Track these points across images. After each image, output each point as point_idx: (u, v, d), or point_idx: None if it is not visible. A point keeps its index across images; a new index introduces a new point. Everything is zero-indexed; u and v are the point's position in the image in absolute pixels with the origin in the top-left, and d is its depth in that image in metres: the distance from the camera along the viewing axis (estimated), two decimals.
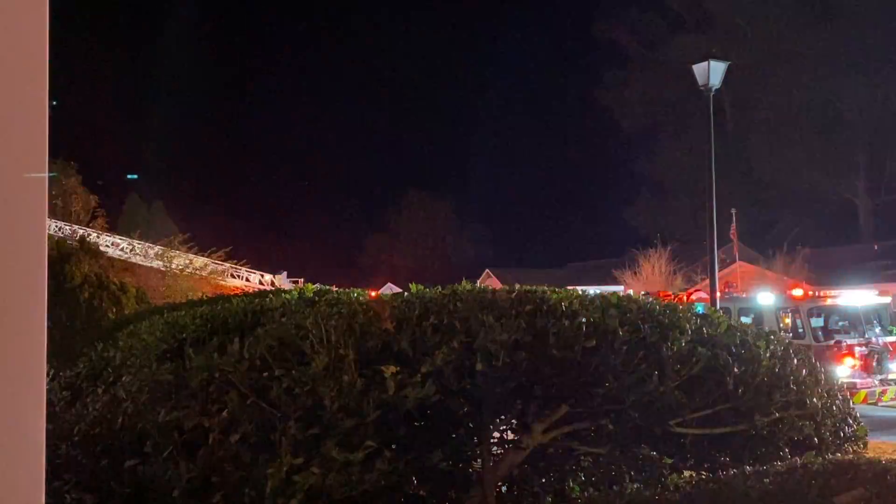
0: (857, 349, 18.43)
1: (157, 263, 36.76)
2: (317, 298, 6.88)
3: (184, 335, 6.29)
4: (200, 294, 21.41)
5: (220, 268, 40.79)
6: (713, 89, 18.69)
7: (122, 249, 38.15)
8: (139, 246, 38.41)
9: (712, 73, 18.47)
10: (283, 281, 43.26)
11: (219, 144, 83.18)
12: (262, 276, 45.13)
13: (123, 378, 5.91)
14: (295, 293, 7.58)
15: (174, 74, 74.22)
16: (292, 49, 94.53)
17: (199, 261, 38.67)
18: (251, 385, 5.10)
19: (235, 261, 42.69)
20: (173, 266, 36.09)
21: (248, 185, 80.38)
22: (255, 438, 4.96)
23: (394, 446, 5.06)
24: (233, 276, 42.56)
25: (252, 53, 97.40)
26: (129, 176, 61.71)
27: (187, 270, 36.57)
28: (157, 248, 37.63)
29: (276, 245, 63.10)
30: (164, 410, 5.21)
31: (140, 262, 37.20)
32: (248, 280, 43.49)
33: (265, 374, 5.10)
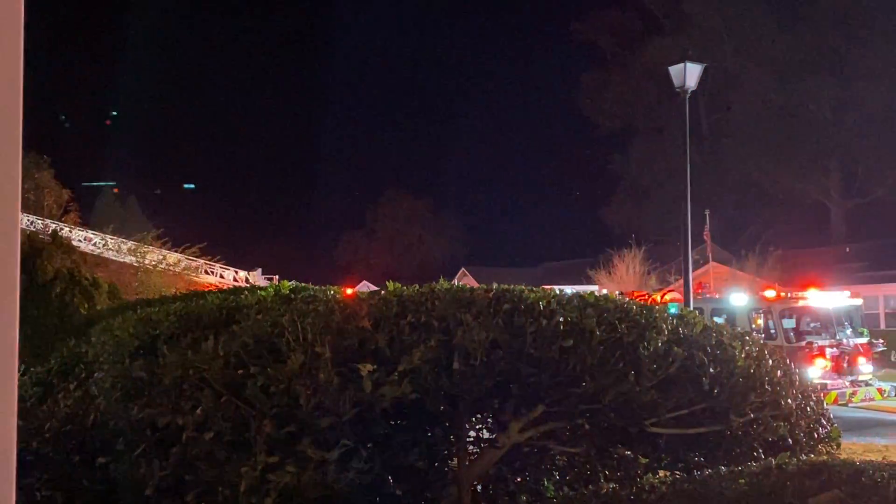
0: (828, 350, 18.59)
1: (130, 259, 36.43)
2: (293, 296, 6.81)
3: (157, 331, 6.21)
4: (174, 290, 21.26)
5: (194, 264, 40.50)
6: (689, 91, 18.79)
7: (94, 244, 37.79)
8: (112, 241, 38.04)
9: (688, 74, 18.58)
10: (257, 278, 43.05)
11: (194, 140, 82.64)
12: (237, 272, 44.86)
13: (95, 374, 5.83)
14: (271, 290, 7.52)
15: (149, 68, 73.65)
16: (272, 46, 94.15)
17: (173, 257, 38.38)
18: (226, 383, 5.05)
19: (210, 257, 42.41)
20: (147, 262, 35.77)
21: (223, 181, 79.92)
22: (229, 437, 4.92)
23: (370, 445, 5.03)
24: (207, 272, 42.27)
25: (230, 48, 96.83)
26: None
27: (161, 266, 36.27)
28: (131, 244, 37.27)
29: (251, 241, 62.85)
30: (137, 408, 5.15)
31: (113, 258, 36.85)
32: (222, 277, 43.22)
33: (240, 371, 5.05)
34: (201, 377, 5.08)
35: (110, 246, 37.86)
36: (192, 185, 73.33)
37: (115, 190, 53.09)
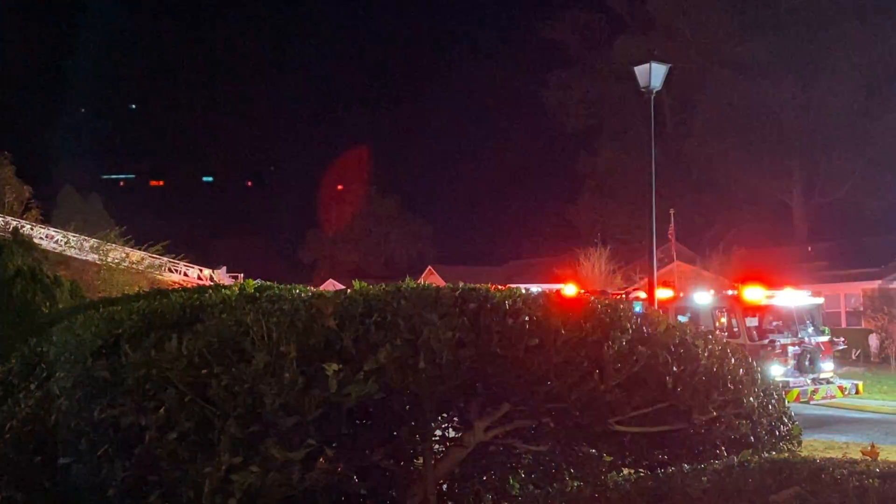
0: (790, 349, 18.82)
1: (92, 257, 36.04)
2: (258, 295, 6.78)
3: (120, 331, 6.15)
4: (137, 288, 21.04)
5: (157, 262, 40.16)
6: (654, 91, 18.93)
7: (56, 242, 37.37)
8: (74, 239, 37.62)
9: (654, 74, 18.70)
10: (222, 276, 42.76)
11: (157, 136, 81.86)
12: (201, 270, 44.55)
13: (57, 374, 5.76)
14: (235, 289, 7.46)
15: (110, 62, 72.82)
16: (233, 40, 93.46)
17: (136, 254, 38.02)
18: (189, 382, 5.01)
19: (174, 255, 42.05)
20: (109, 260, 35.41)
21: (187, 178, 79.21)
22: (192, 437, 4.87)
23: (335, 445, 5.01)
24: (170, 270, 41.93)
25: (188, 39, 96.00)
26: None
27: (123, 264, 35.92)
28: (93, 241, 36.87)
29: (215, 239, 62.38)
30: (100, 408, 5.09)
31: (75, 256, 36.45)
32: (186, 275, 42.90)
33: (204, 371, 5.01)
34: (165, 377, 5.04)
35: (72, 244, 37.45)
36: (159, 182, 72.71)
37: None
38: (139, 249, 38.77)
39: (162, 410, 4.92)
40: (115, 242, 37.06)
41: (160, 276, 38.90)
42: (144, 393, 5.05)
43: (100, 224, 39.40)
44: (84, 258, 36.20)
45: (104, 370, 5.30)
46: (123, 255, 36.73)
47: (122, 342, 5.61)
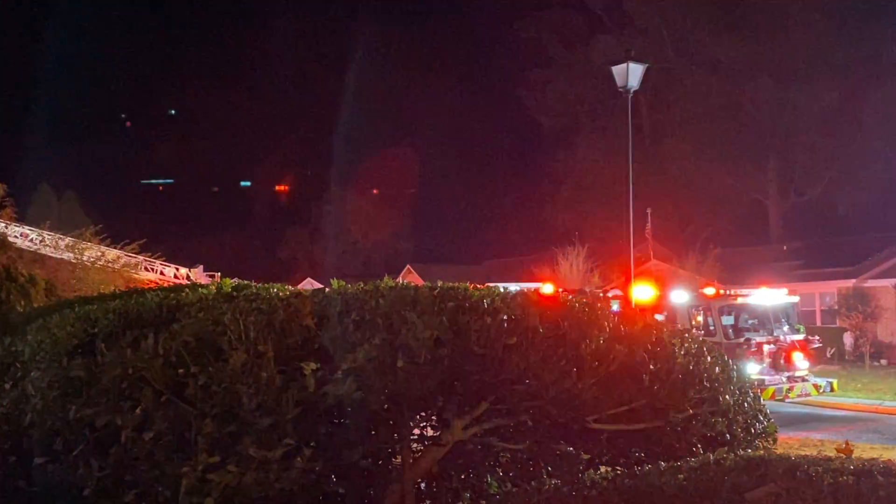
0: (765, 347, 18.97)
1: (67, 255, 35.70)
2: (235, 293, 6.73)
3: (96, 330, 6.10)
4: (113, 287, 20.87)
5: (133, 260, 39.83)
6: (632, 90, 19.02)
7: (31, 240, 36.98)
8: (49, 237, 37.24)
9: (631, 74, 18.80)
10: (199, 275, 42.48)
11: (131, 133, 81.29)
12: (178, 269, 44.26)
13: (32, 374, 5.71)
14: (212, 288, 7.42)
15: (81, 58, 72.27)
16: (208, 38, 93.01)
17: (112, 253, 37.68)
18: (166, 382, 4.99)
19: (150, 253, 41.74)
20: (85, 258, 35.10)
21: (164, 176, 78.73)
22: (169, 436, 4.85)
23: (313, 444, 5.00)
24: (147, 269, 41.62)
25: (164, 40, 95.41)
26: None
27: (99, 263, 35.60)
28: (68, 240, 36.51)
29: (192, 238, 62.00)
30: (75, 407, 5.06)
31: (50, 254, 36.07)
32: (162, 273, 42.62)
33: (181, 370, 4.99)
34: (141, 376, 5.01)
35: (48, 242, 37.08)
36: (140, 181, 72.28)
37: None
38: (115, 248, 38.45)
39: (138, 410, 4.89)
40: (90, 241, 36.74)
41: (136, 275, 38.59)
42: (120, 392, 5.02)
43: (75, 222, 39.05)
44: (59, 257, 35.85)
45: (80, 370, 5.27)
46: (99, 253, 36.41)
47: (97, 341, 5.57)
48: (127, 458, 4.84)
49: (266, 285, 7.31)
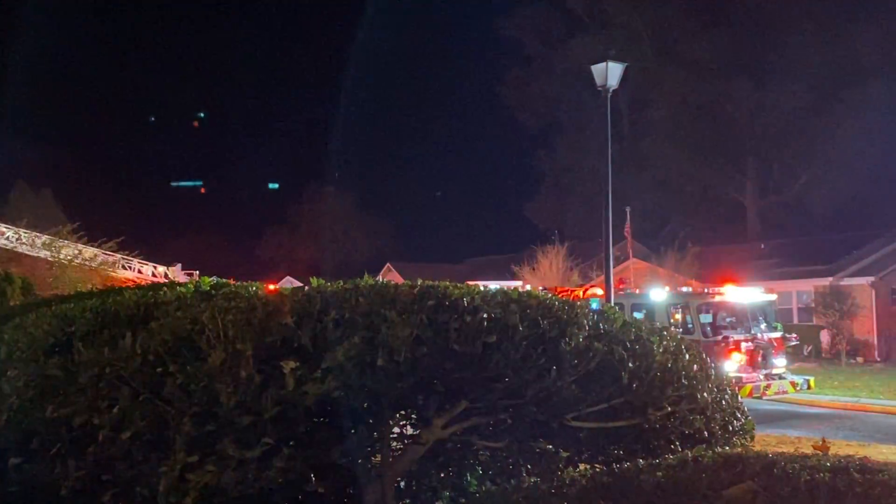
0: (743, 345, 19.10)
1: (44, 253, 35.45)
2: (213, 292, 6.71)
3: (73, 328, 6.06)
4: (90, 286, 20.73)
5: (110, 259, 39.61)
6: (611, 89, 19.09)
7: (7, 238, 36.71)
8: (26, 235, 36.96)
9: (610, 73, 18.87)
10: (177, 273, 42.29)
11: (110, 132, 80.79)
12: (156, 267, 44.03)
13: (8, 373, 5.66)
14: (191, 286, 7.38)
15: (60, 55, 71.69)
16: (187, 35, 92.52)
17: (89, 251, 37.43)
18: (144, 381, 4.95)
19: (127, 252, 41.49)
20: (62, 256, 34.87)
21: (142, 174, 78.27)
22: (147, 436, 4.83)
23: (292, 443, 4.99)
24: (124, 267, 41.40)
25: (143, 37, 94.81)
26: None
27: (76, 261, 35.38)
28: (45, 238, 36.27)
29: (170, 236, 61.70)
30: (52, 407, 5.02)
31: (27, 252, 35.82)
32: (140, 272, 42.39)
33: (158, 369, 4.96)
34: (118, 375, 4.98)
35: (24, 240, 36.81)
36: (109, 178, 71.70)
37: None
38: (92, 246, 38.19)
39: (116, 409, 4.86)
40: (67, 239, 36.49)
41: (114, 274, 38.39)
42: (98, 391, 4.98)
43: (53, 220, 38.76)
44: (36, 255, 35.60)
45: (56, 369, 5.23)
46: (76, 251, 36.18)
47: (74, 340, 5.53)
48: (104, 457, 4.81)
49: (245, 284, 7.29)
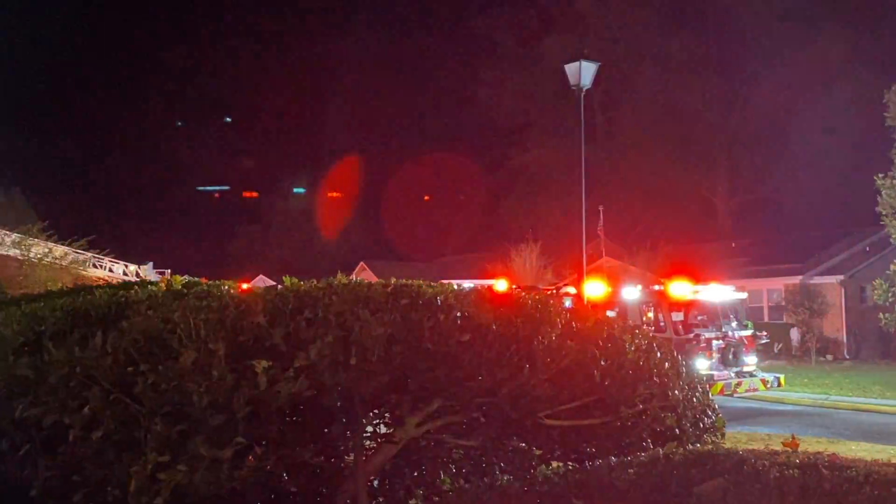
0: (714, 343, 19.23)
1: (14, 252, 35.04)
2: (185, 291, 6.66)
3: (42, 327, 6.00)
4: (60, 285, 20.55)
5: (81, 257, 39.23)
6: (584, 89, 19.17)
7: None
8: None
9: (583, 72, 18.97)
10: (149, 272, 41.99)
11: (81, 129, 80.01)
12: (127, 266, 43.70)
13: None
14: (162, 285, 7.33)
15: (33, 54, 70.90)
16: (164, 35, 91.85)
17: (59, 250, 37.06)
18: (115, 380, 4.92)
19: (98, 250, 41.12)
20: (31, 255, 34.50)
21: (113, 172, 77.53)
22: (118, 435, 4.79)
23: (265, 442, 4.97)
24: (95, 266, 41.05)
25: (121, 37, 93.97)
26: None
27: (46, 259, 35.02)
28: (15, 236, 35.85)
29: (141, 235, 61.19)
30: (22, 406, 4.98)
31: None
32: (111, 271, 42.05)
33: (130, 368, 4.93)
34: (89, 375, 4.94)
35: None
36: (79, 176, 71.05)
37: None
38: (63, 245, 37.81)
39: (86, 409, 4.83)
40: (37, 237, 36.10)
41: (85, 272, 38.04)
42: (68, 391, 4.94)
43: (22, 219, 38.33)
44: (5, 253, 35.19)
45: (26, 368, 5.18)
46: (46, 250, 35.81)
47: (44, 339, 5.48)
48: (75, 457, 4.78)
49: (217, 283, 7.24)
